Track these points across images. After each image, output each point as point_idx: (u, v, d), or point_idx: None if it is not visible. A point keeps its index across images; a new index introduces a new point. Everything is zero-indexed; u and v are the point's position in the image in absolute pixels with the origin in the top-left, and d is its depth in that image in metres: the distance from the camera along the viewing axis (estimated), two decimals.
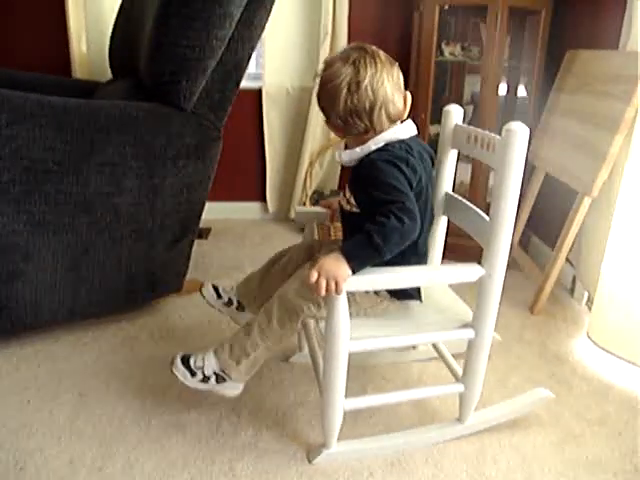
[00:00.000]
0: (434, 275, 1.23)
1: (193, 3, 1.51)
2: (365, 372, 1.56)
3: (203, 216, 2.54)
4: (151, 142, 1.57)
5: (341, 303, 1.09)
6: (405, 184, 1.08)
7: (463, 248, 1.76)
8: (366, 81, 1.11)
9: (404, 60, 2.52)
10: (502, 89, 2.47)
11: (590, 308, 1.84)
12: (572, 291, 2.07)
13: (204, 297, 1.44)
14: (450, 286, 1.40)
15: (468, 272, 1.17)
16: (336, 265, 1.04)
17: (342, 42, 2.46)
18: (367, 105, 1.12)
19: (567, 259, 2.04)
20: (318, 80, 1.19)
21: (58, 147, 1.42)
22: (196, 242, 2.44)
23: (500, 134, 1.11)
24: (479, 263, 1.17)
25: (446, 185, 1.41)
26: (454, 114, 1.37)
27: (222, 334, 1.65)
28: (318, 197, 2.65)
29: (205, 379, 1.24)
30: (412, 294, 1.26)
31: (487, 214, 1.18)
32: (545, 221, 2.27)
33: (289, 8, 2.51)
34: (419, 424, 1.35)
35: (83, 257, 1.57)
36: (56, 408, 1.37)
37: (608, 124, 1.70)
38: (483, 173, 2.22)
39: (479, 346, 1.22)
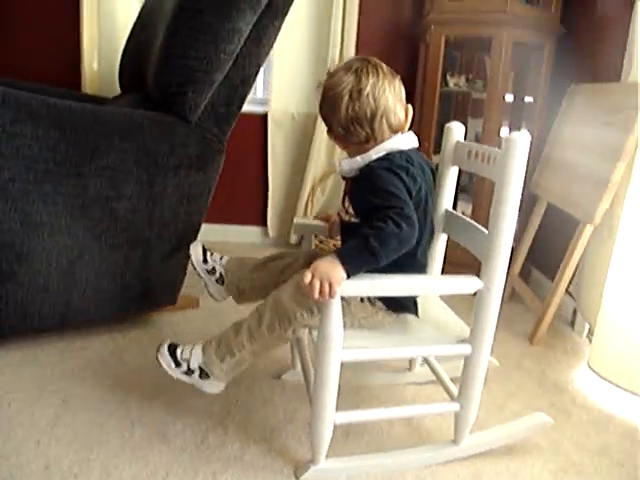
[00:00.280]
0: (431, 284, 1.21)
1: (203, 17, 1.54)
2: (358, 392, 1.51)
3: (203, 237, 2.53)
4: (154, 150, 1.57)
5: (334, 308, 1.06)
6: (404, 192, 1.07)
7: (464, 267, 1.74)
8: (368, 89, 1.12)
9: (410, 90, 2.54)
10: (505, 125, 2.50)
11: (591, 340, 1.80)
12: (573, 324, 2.03)
13: (190, 255, 1.40)
14: (448, 304, 1.37)
15: (466, 284, 1.14)
16: (331, 267, 1.02)
17: None
18: (368, 113, 1.12)
19: (568, 292, 2.01)
20: (320, 89, 1.20)
21: (60, 148, 1.42)
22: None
23: None
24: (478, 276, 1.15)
25: (446, 202, 1.40)
26: (455, 131, 1.37)
27: None
28: None
29: (189, 372, 1.22)
30: (408, 307, 1.24)
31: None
32: (546, 253, 2.25)
33: (298, 36, 2.56)
34: (412, 445, 1.30)
35: (78, 261, 1.55)
36: (37, 412, 1.33)
37: (610, 153, 1.70)
38: (483, 207, 2.23)
39: (475, 363, 1.19)
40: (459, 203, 2.62)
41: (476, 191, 2.32)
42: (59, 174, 1.44)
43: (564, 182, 1.96)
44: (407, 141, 1.17)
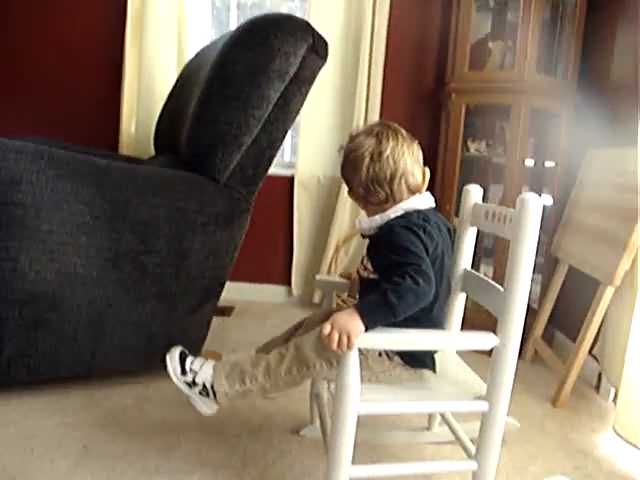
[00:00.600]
0: (448, 339, 1.22)
1: (233, 85, 1.66)
2: (376, 450, 1.50)
3: (228, 295, 2.59)
4: (184, 207, 1.65)
5: (352, 360, 1.08)
6: (421, 248, 1.11)
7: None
8: (388, 152, 1.18)
9: (432, 155, 2.64)
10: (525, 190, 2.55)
11: (617, 404, 1.76)
12: (598, 388, 1.99)
13: (165, 365, 1.25)
14: (467, 362, 1.38)
15: (482, 339, 1.16)
16: (350, 320, 1.05)
17: None
18: (388, 174, 1.19)
19: (593, 355, 1.99)
20: (342, 152, 1.27)
21: (97, 203, 1.51)
22: (219, 319, 2.48)
23: None
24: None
25: (464, 262, 1.44)
26: (473, 193, 1.42)
27: (234, 408, 1.62)
28: None
29: (193, 384, 1.22)
30: (426, 363, 1.25)
31: None
32: (569, 316, 2.23)
33: (324, 103, 2.68)
34: None
35: (106, 312, 1.61)
36: (58, 458, 1.36)
37: (628, 215, 1.73)
38: (503, 267, 2.24)
39: (493, 420, 1.19)
40: (482, 267, 2.65)
41: (497, 252, 2.35)
42: (94, 227, 1.52)
43: (584, 245, 1.98)
44: (424, 201, 1.23)
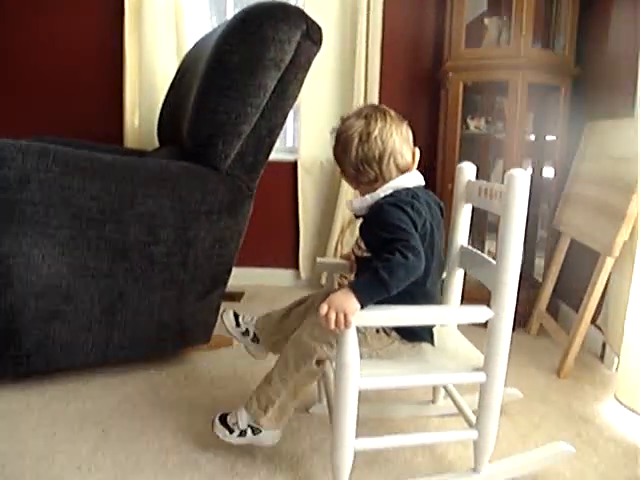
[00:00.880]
0: (442, 314, 1.26)
1: (231, 75, 1.69)
2: (382, 424, 1.55)
3: (237, 281, 2.65)
4: (187, 197, 1.70)
5: (350, 338, 1.13)
6: (410, 224, 1.15)
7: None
8: (376, 132, 1.22)
9: (433, 134, 2.67)
10: (527, 164, 2.56)
11: (618, 371, 1.80)
12: (602, 357, 2.02)
13: (223, 322, 1.51)
14: (467, 336, 1.42)
15: (476, 313, 1.20)
16: (345, 299, 1.09)
17: None
18: (377, 154, 1.22)
19: (597, 325, 2.02)
20: (334, 134, 1.31)
21: (103, 197, 1.57)
22: (229, 304, 2.54)
23: None
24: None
25: (461, 238, 1.47)
26: (467, 170, 1.45)
27: (246, 385, 1.68)
28: None
29: (242, 433, 1.30)
30: (424, 337, 1.29)
31: None
32: (573, 288, 2.26)
33: (324, 87, 2.72)
34: (434, 474, 1.33)
35: (118, 302, 1.67)
36: (79, 442, 1.43)
37: (625, 186, 1.74)
38: None
39: (490, 390, 1.23)
40: (487, 242, 2.67)
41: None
42: (102, 221, 1.58)
43: (584, 217, 2.00)
44: (413, 179, 1.26)
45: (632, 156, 1.75)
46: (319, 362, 1.26)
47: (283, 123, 1.87)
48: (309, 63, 1.84)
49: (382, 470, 1.36)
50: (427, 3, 2.69)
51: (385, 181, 1.24)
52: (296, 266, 2.93)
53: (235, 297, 2.67)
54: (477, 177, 1.46)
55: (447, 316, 1.27)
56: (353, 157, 1.23)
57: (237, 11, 1.81)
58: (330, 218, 2.79)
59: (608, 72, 2.15)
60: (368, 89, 2.63)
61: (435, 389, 1.63)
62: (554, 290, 2.30)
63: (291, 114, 2.94)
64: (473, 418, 1.34)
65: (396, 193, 1.22)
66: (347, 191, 2.71)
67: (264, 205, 2.67)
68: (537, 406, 1.69)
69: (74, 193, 1.53)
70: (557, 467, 1.37)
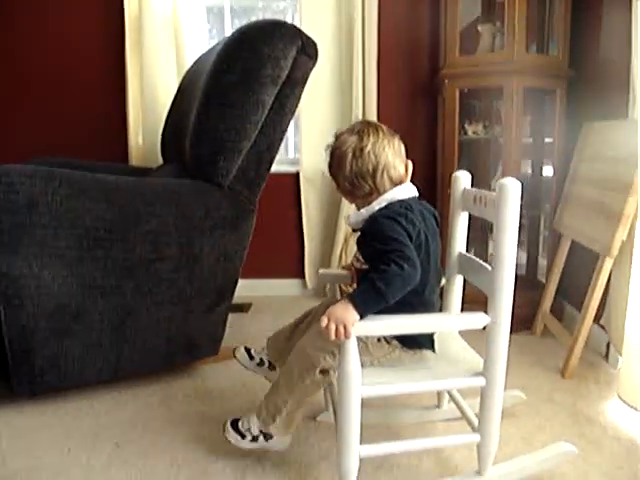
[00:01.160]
0: (440, 322, 1.29)
1: (229, 93, 1.73)
2: (389, 430, 1.58)
3: (245, 292, 2.69)
4: (191, 214, 1.74)
5: (351, 347, 1.16)
6: (404, 236, 1.18)
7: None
8: (369, 147, 1.26)
9: (432, 141, 2.70)
10: (526, 167, 2.59)
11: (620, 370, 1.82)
12: (607, 357, 2.04)
13: (238, 359, 1.57)
14: (468, 341, 1.45)
15: (474, 319, 1.23)
16: (344, 310, 1.13)
17: None
18: (370, 168, 1.26)
19: (600, 325, 2.04)
20: (329, 151, 1.35)
21: (108, 217, 1.61)
22: (237, 315, 2.58)
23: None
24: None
25: (459, 246, 1.51)
26: (462, 179, 1.48)
27: (255, 396, 1.71)
28: None
29: (254, 439, 1.35)
30: (424, 344, 1.32)
31: None
32: (576, 289, 2.27)
33: (323, 99, 2.76)
34: (439, 478, 1.36)
35: (127, 319, 1.71)
36: (93, 456, 1.47)
37: (622, 186, 1.77)
38: None
39: (491, 394, 1.25)
40: (490, 246, 2.69)
41: None
42: (108, 240, 1.62)
43: (582, 218, 2.03)
44: (406, 191, 1.29)
45: (628, 156, 1.78)
46: (323, 372, 1.29)
47: (282, 138, 1.91)
48: (306, 78, 1.88)
49: (389, 475, 1.39)
50: (421, 12, 2.73)
51: (380, 194, 1.27)
52: (302, 276, 2.97)
53: (243, 308, 2.71)
54: (474, 184, 1.49)
55: (444, 324, 1.30)
56: (347, 172, 1.27)
57: (236, 24, 1.86)
58: (333, 227, 2.83)
59: (601, 74, 2.18)
60: (366, 99, 2.67)
61: (440, 394, 1.65)
62: (558, 291, 2.32)
63: (292, 126, 3.01)
64: (476, 421, 1.36)
65: (390, 205, 1.25)
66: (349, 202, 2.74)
67: (268, 217, 2.71)
68: (542, 407, 1.71)
69: (81, 214, 1.58)
70: (561, 468, 1.39)
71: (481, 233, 2.62)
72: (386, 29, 2.70)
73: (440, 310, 1.43)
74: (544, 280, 2.47)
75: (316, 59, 1.88)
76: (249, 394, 1.82)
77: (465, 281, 1.53)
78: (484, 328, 1.24)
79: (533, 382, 1.87)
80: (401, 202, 1.26)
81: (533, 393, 1.76)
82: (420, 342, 1.31)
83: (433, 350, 1.34)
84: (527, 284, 2.57)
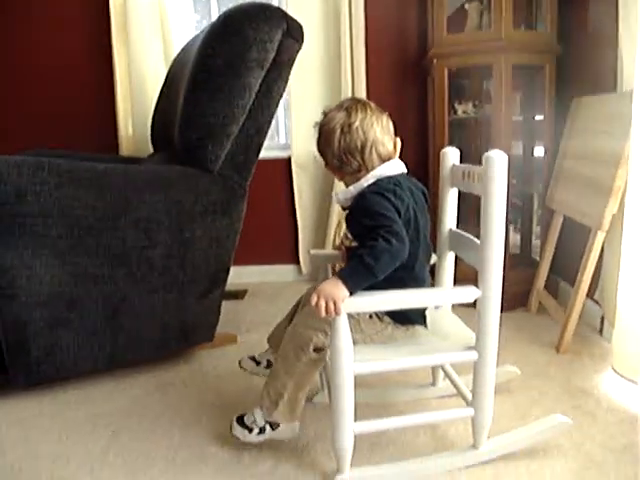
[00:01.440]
0: (431, 296, 1.30)
1: (216, 77, 1.72)
2: (384, 409, 1.59)
3: (240, 279, 2.69)
4: (181, 200, 1.73)
5: (342, 324, 1.16)
6: (392, 211, 1.18)
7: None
8: (357, 123, 1.25)
9: (423, 121, 2.69)
10: (518, 146, 2.58)
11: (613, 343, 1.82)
12: (601, 331, 2.05)
13: (244, 369, 1.60)
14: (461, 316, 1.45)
15: (465, 293, 1.23)
16: (333, 287, 1.13)
17: None
18: (359, 144, 1.25)
19: (594, 300, 2.05)
20: (317, 128, 1.34)
21: (99, 206, 1.61)
22: (233, 302, 2.59)
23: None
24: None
25: (449, 222, 1.51)
26: (450, 155, 1.48)
27: (252, 380, 1.72)
28: None
29: (261, 430, 1.34)
30: (416, 320, 1.33)
31: None
32: (570, 265, 2.28)
33: (312, 83, 2.75)
34: (435, 453, 1.37)
35: (121, 306, 1.71)
36: (91, 443, 1.47)
37: (611, 160, 1.77)
38: None
39: (484, 367, 1.26)
40: None
41: None
42: (99, 228, 1.62)
43: (574, 193, 2.03)
44: (394, 167, 1.29)
45: (617, 130, 1.78)
46: (317, 350, 1.29)
47: (270, 121, 1.90)
48: (292, 60, 1.87)
49: (384, 452, 1.39)
50: None
51: (368, 171, 1.27)
52: (297, 261, 2.97)
53: (239, 295, 2.71)
54: (462, 161, 1.49)
55: (435, 298, 1.31)
56: (336, 148, 1.27)
57: (222, 11, 1.84)
58: (326, 211, 2.82)
59: (590, 48, 2.17)
60: (355, 81, 2.66)
61: (434, 371, 1.66)
62: (552, 268, 2.32)
63: (282, 111, 3.00)
64: (470, 396, 1.37)
65: (379, 182, 1.25)
66: (341, 183, 2.73)
67: (261, 203, 2.72)
68: (536, 382, 1.72)
69: (70, 203, 1.57)
70: (556, 439, 1.40)
71: (475, 218, 2.62)
72: (373, 8, 2.69)
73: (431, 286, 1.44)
74: (538, 258, 2.47)
75: (302, 42, 1.87)
76: (245, 378, 1.81)
77: (457, 261, 1.54)
78: (475, 303, 1.25)
79: (528, 358, 1.88)
80: (389, 178, 1.26)
81: (528, 368, 1.77)
82: (412, 318, 1.32)
83: (425, 326, 1.34)
84: (521, 262, 2.58)
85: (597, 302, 2.06)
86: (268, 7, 1.78)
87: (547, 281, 2.34)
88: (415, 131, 2.72)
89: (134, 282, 1.72)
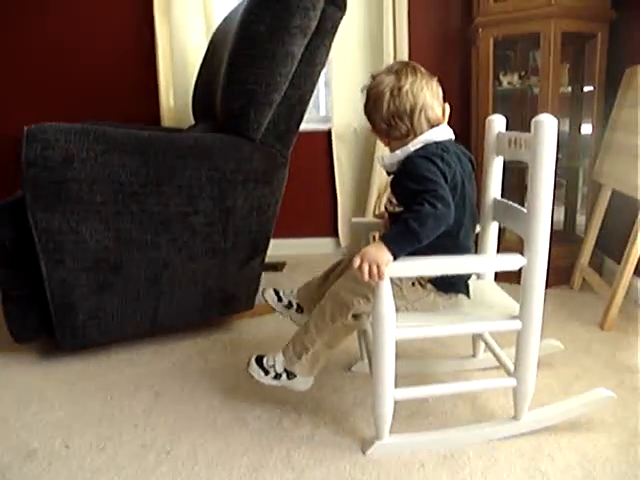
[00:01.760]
0: (475, 262, 1.27)
1: (258, 44, 1.70)
2: (426, 379, 1.58)
3: (279, 252, 2.70)
4: (223, 167, 1.74)
5: (385, 289, 1.15)
6: (439, 175, 1.16)
7: None
8: (407, 86, 1.23)
9: (466, 94, 2.63)
10: (565, 121, 2.50)
11: None
12: None
13: (266, 300, 1.56)
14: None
15: (510, 260, 1.21)
16: (377, 251, 1.12)
17: None
18: (408, 108, 1.23)
19: None
20: (365, 92, 1.32)
21: (142, 172, 1.62)
22: (271, 274, 2.61)
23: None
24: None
25: (494, 191, 1.47)
26: (497, 122, 1.44)
27: None
28: None
29: (277, 376, 1.35)
30: (459, 288, 1.31)
31: None
32: (616, 240, 2.21)
33: (353, 54, 2.72)
34: (474, 423, 1.36)
35: (163, 272, 1.74)
36: (134, 403, 1.52)
37: None
38: None
39: (527, 338, 1.24)
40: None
41: None
42: (143, 195, 1.64)
43: (624, 166, 1.95)
44: (443, 133, 1.26)
45: None
46: (355, 316, 1.29)
47: (312, 90, 1.89)
48: (335, 29, 1.85)
49: (424, 421, 1.39)
50: None
51: (416, 135, 1.25)
52: (336, 234, 2.97)
53: (277, 267, 2.73)
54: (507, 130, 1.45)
55: (480, 265, 1.29)
56: (384, 111, 1.25)
57: None
58: (366, 184, 2.81)
59: None
60: (397, 53, 2.61)
61: (475, 342, 1.64)
62: (597, 244, 2.26)
63: (323, 83, 2.98)
64: (512, 367, 1.35)
65: (426, 146, 1.23)
66: (385, 150, 2.71)
67: (301, 176, 2.71)
68: (580, 357, 1.68)
69: (115, 169, 1.59)
70: (599, 413, 1.37)
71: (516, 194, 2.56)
72: None
73: None
74: (582, 236, 2.41)
75: (345, 9, 1.84)
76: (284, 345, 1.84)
77: (500, 232, 1.51)
78: (518, 278, 1.22)
79: (571, 334, 1.84)
80: (437, 143, 1.23)
81: (571, 344, 1.73)
82: (455, 286, 1.30)
83: (468, 295, 1.32)
84: (565, 239, 2.51)
85: None
86: None
87: (591, 258, 2.27)
88: (457, 103, 2.65)
89: (176, 248, 1.74)
